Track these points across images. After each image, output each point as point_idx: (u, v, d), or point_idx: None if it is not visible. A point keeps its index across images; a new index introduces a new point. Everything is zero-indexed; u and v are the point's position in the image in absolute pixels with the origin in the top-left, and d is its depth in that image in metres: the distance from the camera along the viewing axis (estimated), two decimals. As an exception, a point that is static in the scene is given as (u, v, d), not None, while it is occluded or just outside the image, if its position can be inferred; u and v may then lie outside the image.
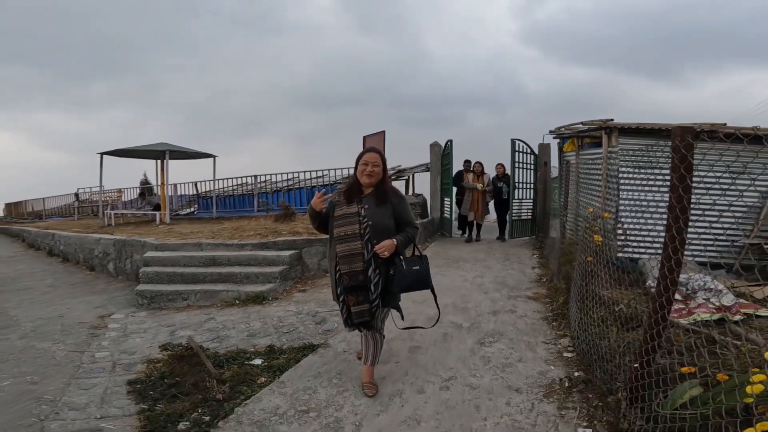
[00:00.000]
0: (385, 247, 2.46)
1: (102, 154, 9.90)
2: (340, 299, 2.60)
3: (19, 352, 3.69)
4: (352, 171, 2.83)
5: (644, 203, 4.52)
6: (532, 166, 9.22)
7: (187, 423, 2.46)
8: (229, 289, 4.96)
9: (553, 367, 2.84)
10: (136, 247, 6.13)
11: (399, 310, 2.76)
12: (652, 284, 4.03)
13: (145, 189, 15.77)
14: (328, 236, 2.69)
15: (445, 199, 9.39)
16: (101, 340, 3.93)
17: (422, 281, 2.57)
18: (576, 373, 2.68)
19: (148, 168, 20.31)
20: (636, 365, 1.89)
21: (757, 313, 3.23)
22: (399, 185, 11.21)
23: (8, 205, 25.64)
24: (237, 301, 4.84)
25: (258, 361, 3.24)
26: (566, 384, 2.57)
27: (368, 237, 2.51)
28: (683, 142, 1.56)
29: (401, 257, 2.56)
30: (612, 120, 5.27)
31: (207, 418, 2.49)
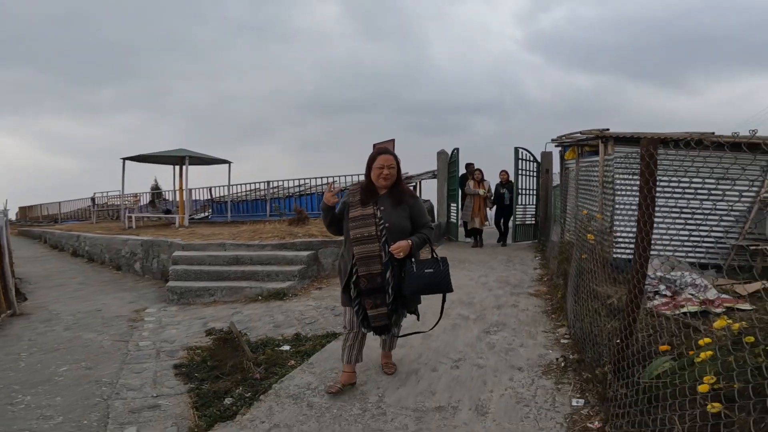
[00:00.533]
0: (401, 247, 2.45)
1: (124, 159, 10.41)
2: (355, 302, 2.57)
3: (67, 341, 4.08)
4: (362, 177, 2.90)
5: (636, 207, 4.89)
6: (535, 174, 9.60)
7: (232, 398, 2.82)
8: (252, 286, 5.35)
9: (551, 351, 3.21)
10: (163, 247, 6.56)
11: (416, 312, 2.79)
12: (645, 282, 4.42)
13: (155, 195, 16.26)
14: (342, 238, 2.70)
15: (452, 204, 9.77)
16: (141, 331, 4.32)
17: (438, 284, 2.53)
18: (571, 356, 3.05)
19: (158, 173, 20.84)
20: (618, 341, 2.26)
21: (737, 307, 3.60)
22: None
23: (22, 209, 26.26)
24: (260, 297, 5.23)
25: (286, 347, 3.61)
26: (562, 364, 2.94)
27: (385, 239, 2.49)
28: (647, 152, 1.93)
29: (413, 259, 2.53)
30: (608, 129, 5.65)
31: (248, 394, 2.84)
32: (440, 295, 2.69)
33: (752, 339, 1.58)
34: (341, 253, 2.76)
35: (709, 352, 1.73)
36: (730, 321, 1.80)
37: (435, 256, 2.61)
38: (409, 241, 2.51)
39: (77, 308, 5.29)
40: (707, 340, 1.76)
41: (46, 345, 3.98)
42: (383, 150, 2.67)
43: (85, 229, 10.56)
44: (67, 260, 9.24)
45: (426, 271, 2.51)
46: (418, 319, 2.86)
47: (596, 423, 2.28)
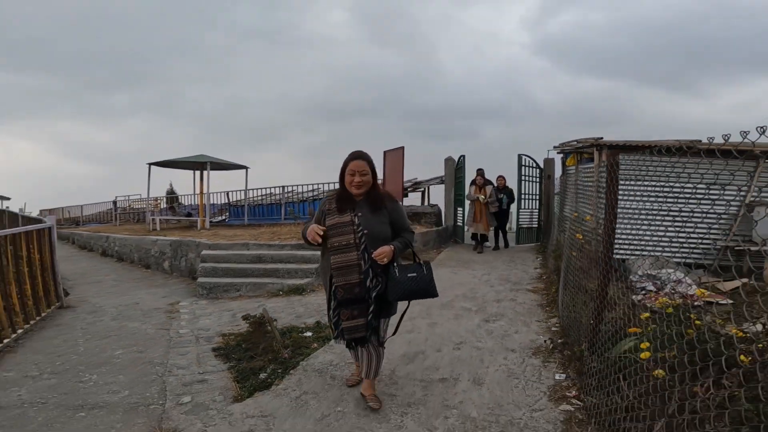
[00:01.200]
0: (384, 253, 2.36)
1: (150, 164, 11.07)
2: (333, 312, 2.51)
3: (116, 330, 4.61)
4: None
5: (631, 211, 5.33)
6: (538, 179, 10.03)
7: (266, 373, 3.32)
8: (273, 282, 5.87)
9: (541, 337, 3.67)
10: (191, 247, 7.12)
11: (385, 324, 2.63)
12: (633, 279, 4.87)
13: (172, 199, 16.95)
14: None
15: (459, 209, 10.25)
16: (179, 321, 4.85)
17: (422, 289, 2.43)
18: (558, 340, 3.50)
19: (173, 178, 21.58)
20: (591, 322, 2.72)
21: (714, 301, 4.03)
22: (415, 196, 12.12)
23: (43, 212, 27.24)
24: (281, 292, 5.74)
25: (309, 333, 4.10)
26: (550, 346, 3.40)
27: (364, 246, 2.40)
28: (611, 161, 2.41)
29: (395, 264, 2.44)
30: (602, 138, 6.10)
31: (280, 370, 3.33)
32: (435, 292, 2.52)
33: (671, 309, 2.03)
34: (322, 264, 2.64)
35: (651, 327, 2.18)
36: (670, 301, 2.25)
37: (418, 260, 2.54)
38: (392, 246, 2.42)
39: (117, 302, 5.84)
40: (646, 315, 2.21)
41: (98, 333, 4.51)
42: (356, 155, 2.49)
43: (113, 231, 11.22)
44: (97, 260, 9.88)
45: (409, 275, 2.42)
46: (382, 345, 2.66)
47: (573, 392, 2.74)
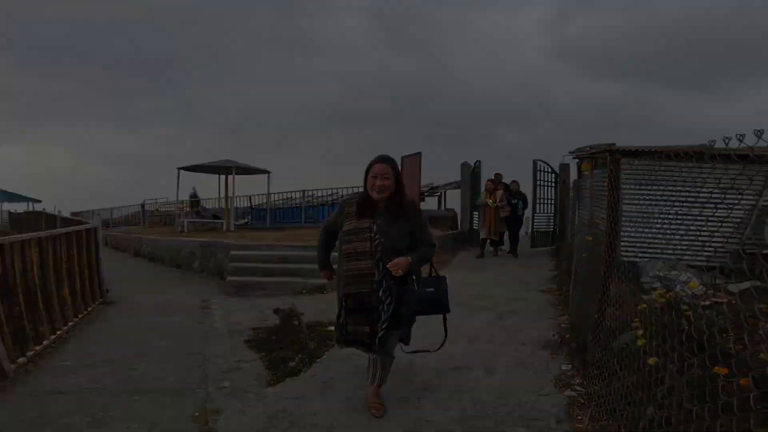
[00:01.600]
0: (399, 265, 2.28)
1: (179, 169, 11.68)
2: (339, 320, 2.52)
3: (156, 324, 4.96)
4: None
5: (643, 214, 5.49)
6: (553, 184, 10.19)
7: (294, 362, 3.64)
8: (297, 281, 6.23)
9: (551, 332, 3.90)
10: (220, 248, 7.56)
11: (407, 339, 2.72)
12: (645, 281, 5.05)
13: (194, 203, 17.55)
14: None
15: (474, 213, 10.48)
16: (212, 316, 5.23)
17: (438, 304, 2.42)
18: (567, 335, 3.74)
19: (196, 182, 22.23)
20: (596, 316, 2.95)
21: (719, 300, 4.18)
22: (432, 201, 12.40)
23: (74, 214, 28.45)
24: (304, 291, 6.10)
25: (332, 328, 4.39)
26: (558, 340, 3.64)
27: (380, 255, 2.33)
28: (611, 167, 2.66)
29: (413, 277, 2.37)
30: (614, 144, 6.26)
31: (307, 359, 3.65)
32: (448, 307, 2.59)
33: (664, 299, 2.26)
34: (337, 269, 2.60)
35: (637, 323, 2.41)
36: (663, 291, 2.48)
37: (435, 273, 2.51)
38: (408, 258, 2.33)
39: (154, 299, 6.27)
40: (644, 305, 2.45)
41: (142, 326, 4.89)
42: (380, 158, 2.43)
43: (144, 233, 11.83)
44: (130, 260, 10.45)
45: (428, 290, 2.40)
46: (407, 343, 2.77)
47: (578, 380, 2.98)
